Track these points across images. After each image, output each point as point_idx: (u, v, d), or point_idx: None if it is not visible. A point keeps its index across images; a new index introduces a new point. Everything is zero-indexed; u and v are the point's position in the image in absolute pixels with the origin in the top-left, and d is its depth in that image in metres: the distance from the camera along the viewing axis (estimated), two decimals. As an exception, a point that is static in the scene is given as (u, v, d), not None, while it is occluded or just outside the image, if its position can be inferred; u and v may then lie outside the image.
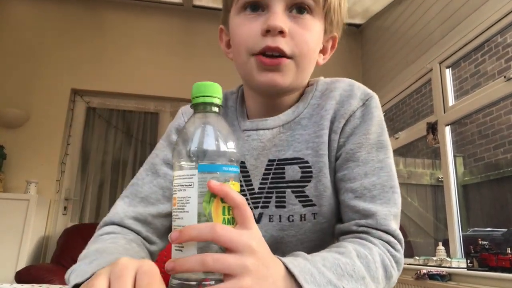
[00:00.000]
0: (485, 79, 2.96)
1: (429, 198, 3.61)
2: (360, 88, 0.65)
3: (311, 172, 0.64)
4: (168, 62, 3.55)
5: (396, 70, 3.21)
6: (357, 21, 3.74)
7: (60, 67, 3.36)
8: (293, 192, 0.64)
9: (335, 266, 0.48)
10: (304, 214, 0.64)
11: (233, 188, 0.41)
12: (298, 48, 0.60)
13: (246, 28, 0.61)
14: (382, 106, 3.33)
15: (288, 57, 0.60)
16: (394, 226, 0.57)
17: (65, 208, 3.21)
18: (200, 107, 0.44)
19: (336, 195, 0.64)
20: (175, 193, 0.42)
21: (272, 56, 0.59)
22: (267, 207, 0.65)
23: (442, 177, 2.64)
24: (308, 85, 0.70)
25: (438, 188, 3.30)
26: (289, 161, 0.65)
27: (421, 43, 2.89)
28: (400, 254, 0.56)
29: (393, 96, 3.22)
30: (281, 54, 0.59)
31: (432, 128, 2.66)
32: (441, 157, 2.60)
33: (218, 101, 0.44)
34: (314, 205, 0.64)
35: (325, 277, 0.46)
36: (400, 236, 0.58)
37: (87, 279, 0.44)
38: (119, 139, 3.47)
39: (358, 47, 3.91)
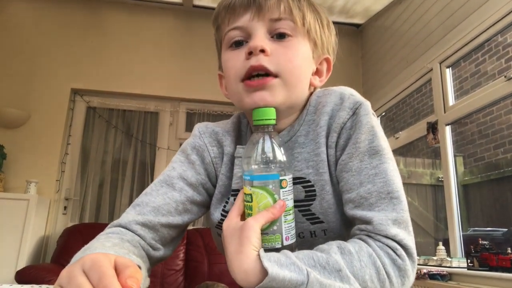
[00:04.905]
0: (485, 79, 2.96)
1: (429, 197, 3.61)
2: (350, 98, 0.64)
3: (314, 191, 0.64)
4: (168, 61, 3.55)
5: (396, 69, 3.21)
6: (357, 20, 3.73)
7: (60, 66, 3.36)
8: (300, 211, 0.64)
9: (307, 258, 0.50)
10: (314, 231, 0.64)
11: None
12: (282, 65, 0.61)
13: (233, 59, 0.64)
14: (382, 105, 3.29)
15: (274, 76, 0.61)
16: (395, 231, 0.54)
17: (65, 208, 3.21)
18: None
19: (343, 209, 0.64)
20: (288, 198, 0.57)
21: (258, 77, 0.61)
22: None
23: (442, 177, 2.64)
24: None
25: (438, 188, 3.30)
26: (293, 182, 0.65)
27: (421, 42, 2.88)
28: (402, 260, 0.53)
29: (393, 96, 3.22)
30: (266, 73, 0.61)
31: (432, 127, 2.66)
32: (441, 157, 2.60)
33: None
34: (322, 222, 0.64)
35: (290, 259, 0.48)
36: (405, 242, 0.54)
37: None
38: (119, 138, 3.47)
39: (358, 46, 3.90)
